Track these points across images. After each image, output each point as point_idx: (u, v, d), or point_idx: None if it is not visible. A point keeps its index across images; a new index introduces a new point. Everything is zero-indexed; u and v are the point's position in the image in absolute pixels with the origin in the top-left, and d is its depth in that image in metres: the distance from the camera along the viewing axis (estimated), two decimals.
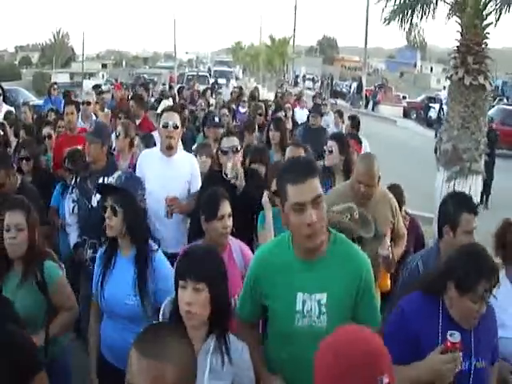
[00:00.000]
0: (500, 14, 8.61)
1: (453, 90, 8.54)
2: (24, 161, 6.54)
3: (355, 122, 9.01)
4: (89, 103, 9.14)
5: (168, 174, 5.34)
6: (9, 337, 2.92)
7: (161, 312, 3.09)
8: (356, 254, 3.12)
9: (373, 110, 38.44)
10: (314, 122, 10.36)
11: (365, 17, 38.73)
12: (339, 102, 31.11)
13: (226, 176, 5.13)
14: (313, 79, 56.85)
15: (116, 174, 3.96)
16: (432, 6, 8.87)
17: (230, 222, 4.04)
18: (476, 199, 8.29)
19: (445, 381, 2.84)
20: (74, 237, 5.65)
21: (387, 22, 9.76)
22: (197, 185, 5.68)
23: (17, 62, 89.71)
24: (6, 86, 23.16)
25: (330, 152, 6.14)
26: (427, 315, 3.11)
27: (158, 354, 1.87)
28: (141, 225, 3.89)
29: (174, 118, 5.52)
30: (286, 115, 11.54)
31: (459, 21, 8.46)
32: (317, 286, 3.01)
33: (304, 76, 58.47)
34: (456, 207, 3.91)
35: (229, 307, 2.99)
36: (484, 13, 8.35)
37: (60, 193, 6.28)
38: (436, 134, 26.53)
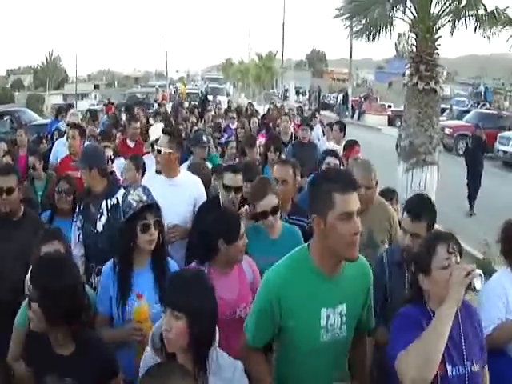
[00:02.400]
0: (454, 27, 10.10)
1: (408, 94, 10.00)
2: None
3: (342, 126, 9.84)
4: (75, 125, 8.83)
5: (170, 197, 5.03)
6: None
7: (150, 338, 2.92)
8: (363, 262, 3.17)
9: (358, 119, 39.92)
10: (304, 136, 9.78)
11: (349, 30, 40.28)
12: (327, 113, 32.57)
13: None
14: (301, 92, 58.01)
15: (139, 191, 3.91)
16: (391, 24, 10.37)
17: (246, 239, 4.02)
18: (432, 188, 9.78)
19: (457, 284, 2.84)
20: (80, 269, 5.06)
21: (356, 37, 11.24)
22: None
23: (9, 85, 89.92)
24: (11, 108, 24.29)
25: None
26: (421, 322, 2.97)
27: None
28: (165, 236, 4.10)
29: (166, 143, 5.48)
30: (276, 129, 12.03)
31: (414, 36, 9.94)
32: (339, 298, 3.01)
33: (298, 90, 59.30)
34: (403, 210, 4.16)
35: (211, 337, 2.81)
36: (435, 28, 9.81)
37: (47, 221, 5.75)
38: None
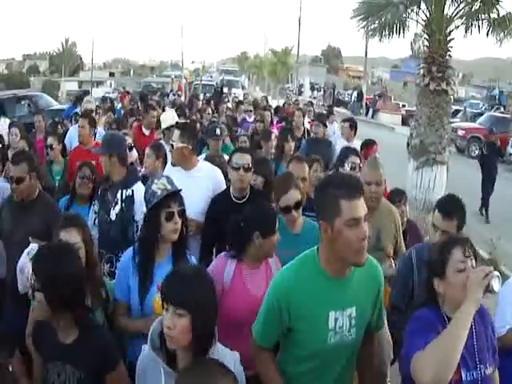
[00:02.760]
0: (467, 30, 10.30)
1: (420, 94, 10.21)
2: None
3: (353, 124, 9.65)
4: (91, 111, 9.33)
5: (188, 189, 4.79)
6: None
7: (149, 337, 2.88)
8: (373, 264, 3.16)
9: (372, 117, 40.02)
10: (317, 132, 9.61)
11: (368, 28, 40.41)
12: (341, 110, 32.69)
13: (235, 197, 5.19)
14: (316, 88, 58.11)
15: (163, 180, 3.90)
16: (404, 25, 10.59)
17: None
18: (442, 187, 9.96)
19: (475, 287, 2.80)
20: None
21: (371, 36, 11.44)
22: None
23: (25, 70, 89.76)
24: (29, 92, 24.58)
25: (354, 169, 6.17)
26: (436, 326, 2.93)
27: None
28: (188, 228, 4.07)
29: (178, 137, 5.53)
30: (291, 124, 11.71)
31: (427, 37, 10.13)
32: (347, 301, 3.02)
33: (313, 86, 59.17)
34: (434, 208, 4.28)
35: (213, 333, 2.82)
36: (448, 30, 9.99)
37: (65, 207, 5.86)
38: None
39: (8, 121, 10.49)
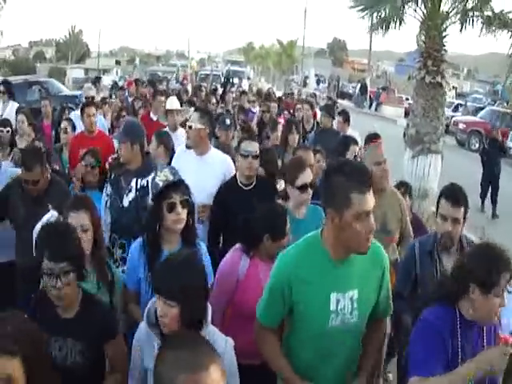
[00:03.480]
0: (462, 26, 10.86)
1: (417, 87, 10.81)
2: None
3: (346, 117, 9.54)
4: (93, 98, 9.35)
5: (200, 174, 5.24)
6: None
7: (145, 314, 3.03)
8: (376, 247, 3.15)
9: (376, 110, 40.27)
10: (325, 123, 9.58)
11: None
12: (345, 102, 33.07)
13: (242, 184, 5.24)
14: (321, 80, 58.30)
15: (166, 171, 3.95)
16: (402, 20, 11.20)
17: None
18: (436, 175, 10.56)
19: (498, 368, 2.88)
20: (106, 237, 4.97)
21: (373, 29, 12.02)
22: None
23: (31, 57, 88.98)
24: (40, 78, 24.88)
25: (355, 157, 6.25)
26: (449, 328, 3.09)
27: (203, 366, 1.91)
28: (194, 216, 4.11)
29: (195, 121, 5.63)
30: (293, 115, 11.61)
31: (423, 32, 10.68)
32: (349, 284, 3.04)
33: (319, 78, 59.11)
34: (440, 195, 4.29)
35: (203, 318, 2.92)
36: (444, 26, 10.54)
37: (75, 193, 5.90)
38: None
39: (16, 105, 10.29)
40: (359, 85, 44.92)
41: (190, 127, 5.65)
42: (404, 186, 6.18)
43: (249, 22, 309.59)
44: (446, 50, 10.58)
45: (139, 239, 4.01)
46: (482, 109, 33.06)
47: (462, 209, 4.12)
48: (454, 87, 58.67)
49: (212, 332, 2.97)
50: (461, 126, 27.75)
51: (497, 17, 10.31)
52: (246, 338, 3.37)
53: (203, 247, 4.08)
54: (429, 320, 3.13)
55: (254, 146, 5.27)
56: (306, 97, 20.53)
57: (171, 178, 3.86)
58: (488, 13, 10.42)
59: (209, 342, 2.14)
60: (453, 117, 30.91)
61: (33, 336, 2.39)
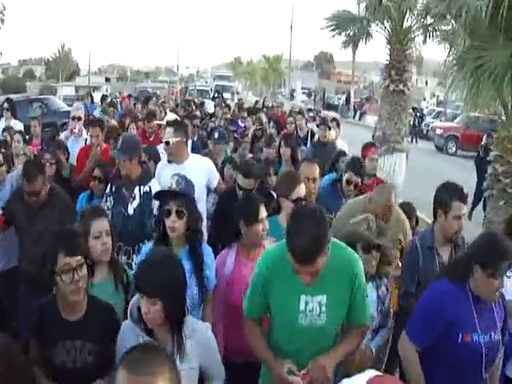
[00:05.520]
0: (425, 39, 12.26)
1: (383, 94, 12.24)
2: (48, 164, 6.59)
3: (327, 128, 10.24)
4: (79, 118, 9.01)
5: None
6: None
7: (129, 311, 3.14)
8: (350, 256, 3.33)
9: (359, 119, 41.70)
10: (324, 135, 10.04)
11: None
12: (332, 113, 34.12)
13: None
14: (308, 93, 59.51)
15: (174, 179, 4.12)
16: (369, 36, 12.72)
17: (267, 224, 4.21)
18: (401, 171, 11.80)
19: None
20: None
21: (343, 47, 13.51)
22: (215, 181, 6.33)
23: (21, 75, 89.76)
24: (41, 96, 26.02)
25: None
26: (459, 299, 3.49)
27: (149, 371, 1.98)
28: (200, 225, 4.23)
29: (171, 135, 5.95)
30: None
31: (388, 46, 12.11)
32: (318, 289, 3.20)
33: (310, 91, 59.82)
34: (448, 195, 4.40)
35: (184, 310, 3.07)
36: (405, 40, 11.95)
37: (86, 201, 6.23)
38: (411, 140, 29.97)
39: (19, 123, 10.37)
40: (344, 96, 46.25)
41: (168, 143, 6.02)
42: (410, 210, 6.10)
43: (236, 37, 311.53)
44: (408, 61, 11.92)
45: (150, 243, 4.24)
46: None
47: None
48: (435, 95, 60.19)
49: (194, 322, 3.20)
50: (438, 131, 28.99)
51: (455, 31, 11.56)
52: (239, 334, 3.64)
53: (208, 249, 4.21)
54: (433, 290, 3.63)
55: (248, 183, 5.57)
56: (293, 108, 21.68)
57: (174, 186, 4.07)
58: (448, 27, 11.63)
59: (172, 359, 2.28)
60: (432, 123, 32.27)
61: (9, 356, 2.56)
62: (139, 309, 3.02)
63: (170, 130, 6.03)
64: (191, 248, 4.03)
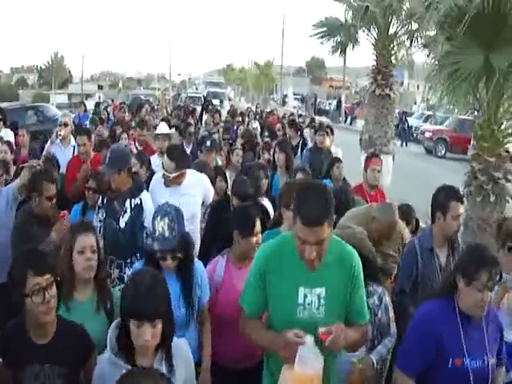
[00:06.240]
0: (411, 43, 12.62)
1: (369, 98, 12.66)
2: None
3: (331, 130, 10.95)
4: (66, 124, 8.96)
5: (182, 202, 5.12)
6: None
7: (108, 344, 2.97)
8: (348, 249, 3.31)
9: (350, 124, 42.03)
10: (322, 141, 9.97)
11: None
12: (323, 119, 34.33)
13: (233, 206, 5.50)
14: (300, 99, 59.60)
15: (165, 223, 3.94)
16: (356, 43, 13.18)
17: (261, 238, 4.22)
18: (388, 173, 12.12)
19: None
20: None
21: (331, 52, 13.86)
22: (210, 196, 6.33)
23: (13, 83, 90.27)
24: (36, 104, 26.08)
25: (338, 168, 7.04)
26: (446, 317, 3.38)
27: None
28: (192, 251, 4.17)
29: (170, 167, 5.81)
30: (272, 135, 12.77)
31: (374, 52, 12.52)
32: (317, 281, 3.17)
33: (303, 97, 59.74)
34: (446, 196, 4.52)
35: (173, 326, 3.03)
36: (391, 46, 12.37)
37: (80, 213, 6.14)
38: (401, 143, 30.48)
39: (10, 132, 10.04)
40: (335, 101, 46.54)
41: (169, 177, 5.87)
42: (408, 213, 6.08)
43: (228, 43, 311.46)
44: (394, 66, 12.38)
45: (141, 262, 4.21)
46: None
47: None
48: (427, 99, 60.46)
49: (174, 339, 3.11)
50: (427, 134, 29.30)
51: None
52: (229, 344, 3.82)
53: (200, 268, 4.17)
54: (421, 313, 3.53)
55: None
56: (284, 115, 21.90)
57: (167, 234, 3.90)
58: (432, 33, 12.04)
59: (165, 377, 2.34)
60: (421, 126, 32.59)
61: None
62: (118, 339, 2.95)
63: (170, 164, 5.85)
64: (181, 270, 4.00)
